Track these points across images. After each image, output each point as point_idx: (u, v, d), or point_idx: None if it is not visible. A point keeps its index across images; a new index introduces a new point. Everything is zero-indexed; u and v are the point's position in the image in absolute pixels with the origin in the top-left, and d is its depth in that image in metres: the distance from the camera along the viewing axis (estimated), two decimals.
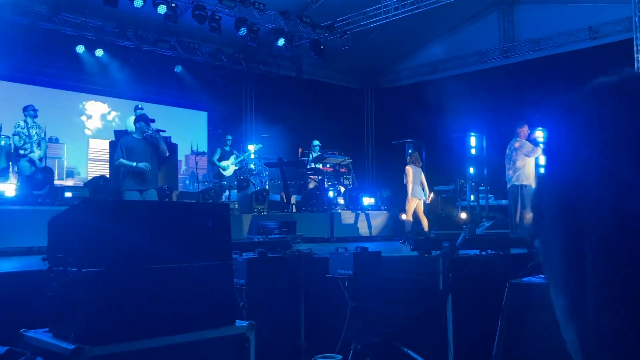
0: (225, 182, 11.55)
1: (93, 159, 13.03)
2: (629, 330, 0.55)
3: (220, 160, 11.80)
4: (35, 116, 9.19)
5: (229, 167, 11.79)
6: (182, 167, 13.57)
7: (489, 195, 12.36)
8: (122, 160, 7.33)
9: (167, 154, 7.78)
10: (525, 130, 8.57)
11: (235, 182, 11.71)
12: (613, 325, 0.56)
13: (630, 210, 0.55)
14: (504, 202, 11.89)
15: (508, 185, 8.65)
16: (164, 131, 7.75)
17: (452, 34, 15.22)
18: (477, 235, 8.77)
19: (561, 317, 0.61)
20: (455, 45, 15.10)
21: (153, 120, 7.66)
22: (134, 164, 7.24)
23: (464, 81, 14.26)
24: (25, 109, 9.18)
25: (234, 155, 11.95)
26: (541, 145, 8.41)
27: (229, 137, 12.14)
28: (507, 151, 8.62)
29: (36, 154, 9.01)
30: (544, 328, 4.10)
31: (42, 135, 9.29)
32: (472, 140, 12.87)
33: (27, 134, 8.94)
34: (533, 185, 8.31)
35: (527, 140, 8.56)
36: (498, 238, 7.07)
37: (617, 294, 0.55)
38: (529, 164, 8.47)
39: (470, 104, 13.14)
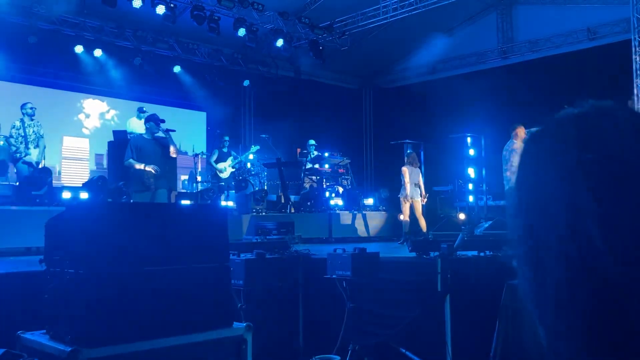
0: (223, 183, 11.55)
1: (68, 157, 12.89)
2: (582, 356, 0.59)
3: (217, 161, 11.79)
4: (33, 114, 9.10)
5: (226, 169, 11.78)
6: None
7: (488, 196, 12.37)
8: (131, 160, 7.33)
9: (177, 154, 7.78)
10: (521, 131, 8.53)
11: (234, 183, 11.70)
12: (567, 349, 0.61)
13: (583, 233, 0.60)
14: (502, 203, 11.91)
15: (506, 187, 8.63)
16: (173, 131, 7.71)
17: (450, 34, 15.23)
18: (476, 236, 8.75)
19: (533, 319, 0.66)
20: (453, 46, 15.10)
21: (163, 121, 7.62)
22: (143, 165, 7.24)
23: (463, 82, 14.27)
24: (22, 107, 9.10)
25: (231, 157, 11.94)
26: None
27: (227, 138, 12.13)
28: (504, 152, 8.61)
29: (33, 155, 8.94)
30: (538, 328, 4.10)
31: (41, 133, 9.20)
32: (471, 141, 12.89)
33: (22, 134, 8.87)
34: None
35: (523, 142, 8.52)
36: (496, 239, 7.07)
37: (572, 319, 0.61)
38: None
39: (468, 105, 13.15)
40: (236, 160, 12.04)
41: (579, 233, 0.60)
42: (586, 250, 0.59)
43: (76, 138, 12.89)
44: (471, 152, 12.80)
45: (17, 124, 8.96)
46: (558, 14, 13.37)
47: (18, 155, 8.85)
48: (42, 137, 9.23)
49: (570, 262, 0.60)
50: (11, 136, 8.90)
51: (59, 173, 12.47)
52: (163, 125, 7.63)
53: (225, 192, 11.24)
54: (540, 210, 0.64)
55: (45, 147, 9.44)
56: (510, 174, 8.45)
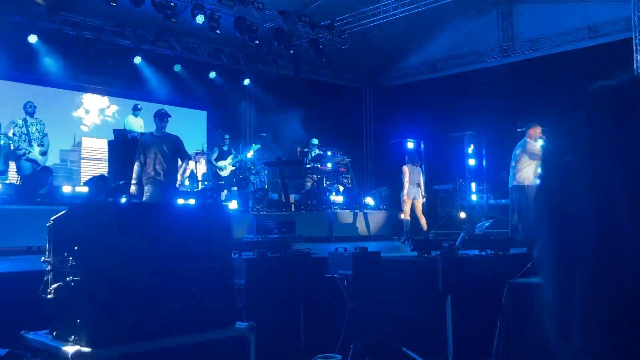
0: (223, 182, 11.54)
1: (87, 158, 13.02)
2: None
3: (218, 159, 11.78)
4: (34, 112, 9.10)
5: (227, 167, 11.77)
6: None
7: (488, 195, 12.37)
8: (137, 162, 7.22)
9: (189, 159, 7.67)
10: (536, 131, 8.49)
11: (235, 180, 11.70)
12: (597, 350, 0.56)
13: (614, 225, 0.54)
14: (503, 201, 11.91)
15: (509, 185, 8.62)
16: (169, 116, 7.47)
17: (451, 33, 15.22)
18: (477, 235, 8.77)
19: (553, 319, 0.62)
20: (454, 44, 15.10)
21: (169, 116, 7.44)
22: (135, 175, 7.16)
23: (463, 80, 14.27)
24: (24, 106, 9.14)
25: (232, 155, 11.93)
26: None
27: (227, 136, 12.13)
28: (516, 151, 8.58)
29: (36, 151, 8.95)
30: (543, 328, 4.10)
31: (44, 131, 9.20)
32: (471, 140, 12.90)
33: (25, 132, 8.89)
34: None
35: (536, 141, 8.46)
36: (497, 238, 7.08)
37: (602, 317, 0.55)
38: (532, 165, 8.40)
39: (469, 103, 13.15)
40: (237, 159, 12.04)
41: (606, 218, 0.55)
42: (613, 240, 0.54)
43: (95, 139, 12.95)
44: (471, 150, 12.81)
45: (20, 122, 8.98)
46: (558, 12, 13.35)
47: (20, 152, 8.85)
48: (47, 136, 9.23)
49: (600, 258, 0.55)
50: (14, 134, 8.90)
51: (79, 173, 12.57)
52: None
53: (226, 190, 11.24)
54: (566, 195, 0.59)
55: (49, 144, 9.43)
56: (515, 172, 8.40)
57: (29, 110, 9.05)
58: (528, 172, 8.26)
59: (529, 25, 14.03)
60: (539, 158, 8.28)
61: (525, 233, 7.80)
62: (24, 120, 9.00)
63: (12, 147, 8.93)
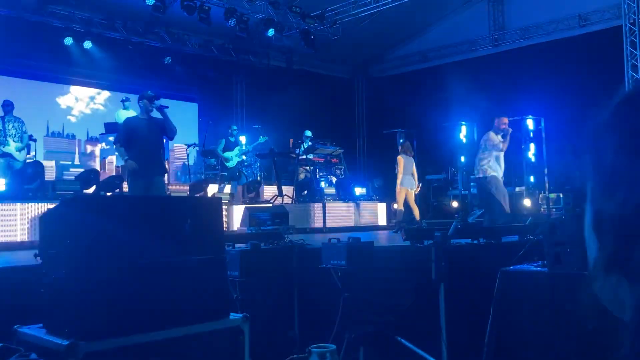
0: (226, 174, 11.49)
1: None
2: None
3: (224, 150, 11.70)
4: (10, 110, 8.85)
5: (233, 158, 11.71)
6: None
7: None
8: (120, 148, 6.79)
9: (175, 134, 6.96)
10: (500, 122, 8.44)
11: (226, 174, 11.67)
12: None
13: None
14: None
15: (473, 176, 8.54)
16: (167, 107, 6.85)
17: (442, 22, 15.21)
18: (469, 224, 8.80)
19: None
20: (445, 33, 15.09)
21: (158, 97, 6.83)
22: (126, 158, 6.70)
23: (455, 70, 14.28)
24: (2, 104, 8.91)
25: (238, 147, 11.88)
26: (506, 140, 8.26)
27: (235, 127, 12.09)
28: (480, 141, 8.58)
29: (12, 146, 8.69)
30: (535, 314, 4.14)
31: (23, 128, 8.95)
32: (463, 129, 12.91)
33: (1, 128, 8.65)
34: (499, 176, 8.19)
35: (502, 132, 8.38)
36: (489, 227, 7.11)
37: None
38: (492, 156, 8.26)
39: (461, 93, 13.16)
40: (245, 150, 12.03)
41: None
42: None
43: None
44: (464, 139, 12.83)
45: None
46: (549, 1, 13.37)
47: None
48: (25, 133, 8.97)
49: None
50: None
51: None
52: (157, 102, 6.83)
53: (224, 183, 11.21)
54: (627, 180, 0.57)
55: (29, 141, 9.20)
56: (481, 163, 8.29)
57: (7, 108, 8.79)
58: (488, 163, 8.20)
59: (519, 14, 14.05)
60: (497, 150, 8.22)
61: (490, 223, 7.83)
62: (1, 117, 8.75)
63: None
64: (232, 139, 11.79)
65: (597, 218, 0.61)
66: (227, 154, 11.62)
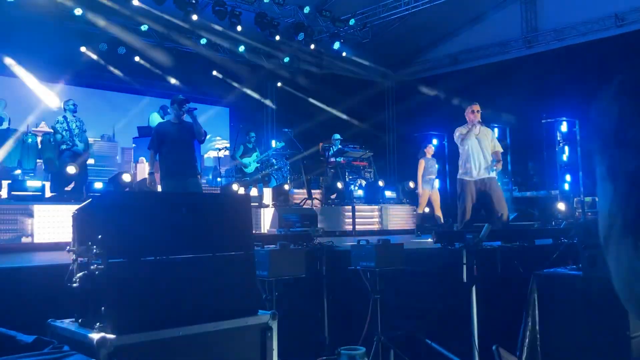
0: (248, 178, 11.62)
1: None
2: None
3: (242, 156, 11.86)
4: (75, 111, 9.15)
5: (251, 164, 11.85)
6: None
7: (513, 187, 12.22)
8: (152, 153, 6.89)
9: (205, 136, 7.10)
10: (467, 111, 8.16)
11: (259, 177, 11.80)
12: None
13: None
14: (527, 194, 11.75)
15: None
16: (195, 109, 6.93)
17: (473, 24, 15.05)
18: (501, 227, 8.65)
19: None
20: (476, 36, 14.93)
21: (188, 101, 6.90)
22: (151, 172, 6.90)
23: (486, 72, 14.10)
24: (65, 103, 9.21)
25: (256, 153, 12.01)
26: (475, 127, 7.86)
27: (253, 134, 12.20)
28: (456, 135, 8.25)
29: (79, 146, 9.01)
30: (569, 318, 4.04)
31: (83, 128, 9.25)
32: (496, 132, 12.73)
33: (66, 128, 8.95)
34: (471, 179, 7.87)
35: (471, 125, 8.07)
36: (522, 229, 6.98)
37: None
38: (468, 153, 7.97)
39: (492, 95, 12.97)
40: (262, 156, 12.16)
41: None
42: None
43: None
44: None
45: (60, 119, 9.04)
46: (584, 1, 13.10)
47: (65, 146, 8.90)
48: (85, 132, 9.30)
49: None
50: (56, 130, 8.99)
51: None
52: (187, 106, 6.89)
53: (250, 187, 11.30)
54: None
55: (88, 141, 9.52)
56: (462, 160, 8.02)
57: (71, 107, 9.10)
58: (464, 162, 7.96)
59: (553, 15, 13.80)
60: (464, 146, 7.79)
61: (461, 225, 7.61)
62: (64, 117, 9.05)
63: (57, 142, 8.99)
64: (250, 145, 11.96)
65: (612, 171, 0.60)
66: (245, 160, 11.77)
